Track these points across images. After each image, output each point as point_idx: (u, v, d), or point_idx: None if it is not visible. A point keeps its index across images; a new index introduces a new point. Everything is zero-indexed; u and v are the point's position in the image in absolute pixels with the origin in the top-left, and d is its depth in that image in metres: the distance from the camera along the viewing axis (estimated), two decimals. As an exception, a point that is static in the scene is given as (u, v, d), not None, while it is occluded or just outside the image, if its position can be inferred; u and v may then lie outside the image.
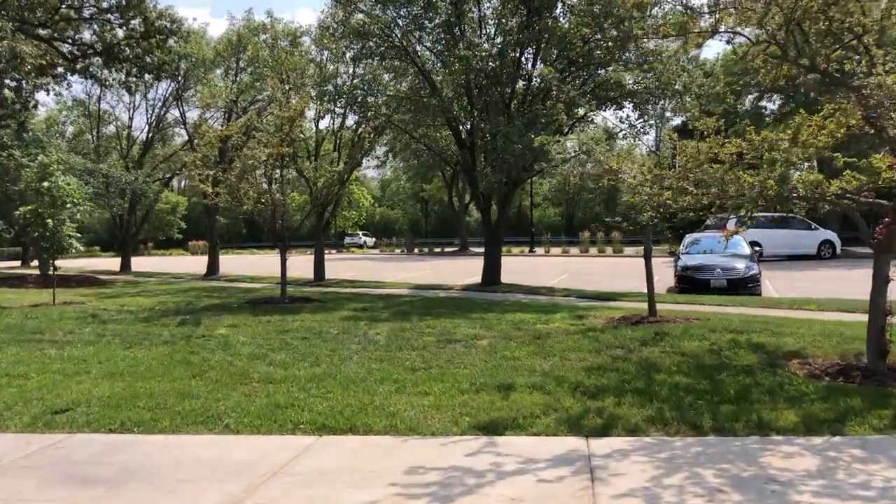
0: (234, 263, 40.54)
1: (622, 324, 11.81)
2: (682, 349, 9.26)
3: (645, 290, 21.13)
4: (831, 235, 32.27)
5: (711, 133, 8.82)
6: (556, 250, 47.49)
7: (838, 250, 32.36)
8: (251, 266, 37.09)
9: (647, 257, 12.65)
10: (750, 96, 37.01)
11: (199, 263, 33.95)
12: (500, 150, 17.72)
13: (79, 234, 17.89)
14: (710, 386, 7.29)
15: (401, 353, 9.78)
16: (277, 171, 15.97)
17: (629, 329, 10.98)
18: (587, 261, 36.96)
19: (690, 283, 18.71)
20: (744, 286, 18.27)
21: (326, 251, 60.44)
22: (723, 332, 10.37)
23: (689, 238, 21.82)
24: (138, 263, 42.95)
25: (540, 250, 47.40)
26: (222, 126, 24.70)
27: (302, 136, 16.00)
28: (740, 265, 18.79)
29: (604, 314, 13.20)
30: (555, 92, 17.03)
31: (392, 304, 16.30)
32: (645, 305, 15.47)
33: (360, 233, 72.45)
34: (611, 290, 19.35)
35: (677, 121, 34.03)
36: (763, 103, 44.92)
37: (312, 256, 26.33)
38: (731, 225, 31.61)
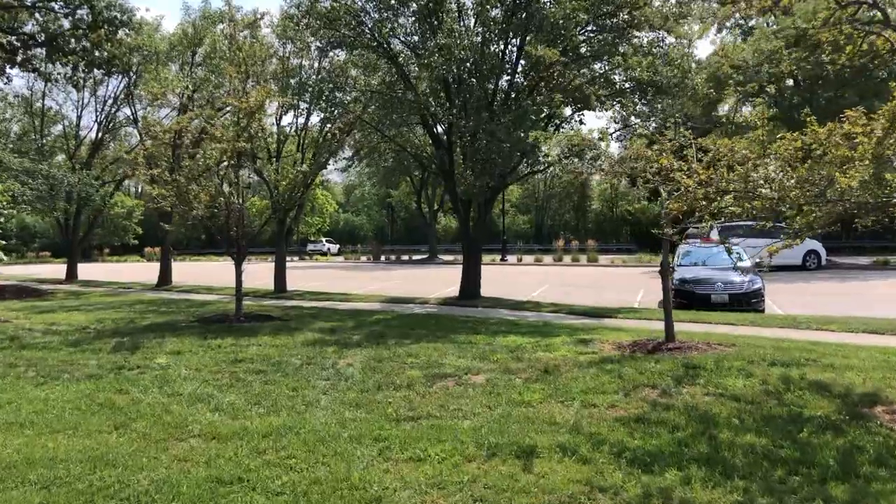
0: (191, 272, 38.20)
1: (637, 351, 10.08)
2: (729, 390, 7.52)
3: (637, 306, 19.72)
4: (816, 245, 31.03)
5: (763, 125, 7.16)
6: (528, 258, 45.87)
7: (823, 260, 31.21)
8: (208, 275, 34.77)
9: (665, 272, 10.95)
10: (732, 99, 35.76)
11: (152, 271, 31.55)
12: (482, 151, 15.95)
13: (2, 241, 15.62)
14: (797, 451, 5.54)
15: (380, 393, 7.89)
16: (232, 170, 13.96)
17: (650, 360, 9.23)
18: (563, 270, 35.36)
19: (689, 298, 17.09)
20: (747, 302, 16.72)
21: (289, 259, 58.10)
22: (764, 365, 8.67)
23: (682, 248, 20.20)
24: (87, 271, 40.31)
25: (512, 258, 45.72)
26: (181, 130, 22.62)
27: (262, 133, 13.98)
28: (743, 279, 17.24)
29: (609, 337, 11.46)
30: (556, 80, 15.23)
31: (364, 322, 14.39)
32: (648, 325, 13.85)
33: (324, 240, 70.12)
34: (601, 306, 17.70)
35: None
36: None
37: (273, 265, 24.28)
38: (714, 234, 30.22)
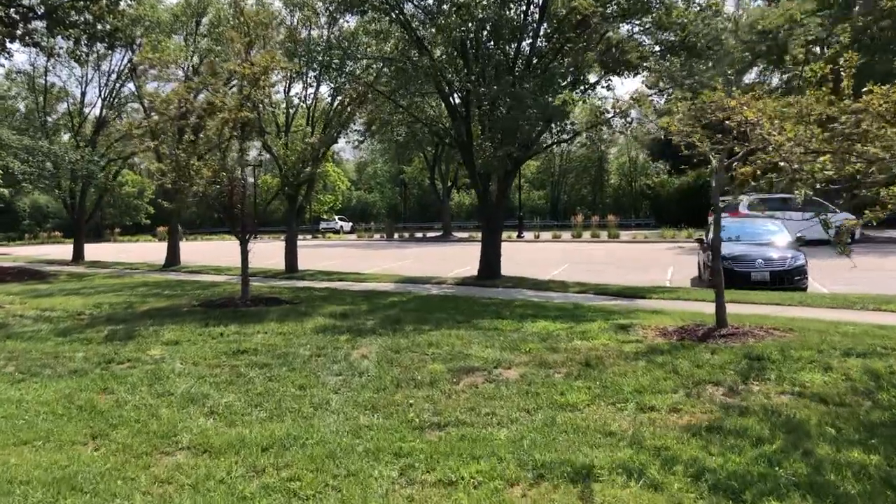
0: (202, 251, 37.29)
1: (686, 338, 8.99)
2: (808, 388, 6.43)
3: (669, 284, 18.55)
4: (850, 218, 29.62)
5: (849, 74, 6.01)
6: (545, 235, 44.66)
7: (857, 234, 29.84)
8: (219, 255, 33.84)
9: (716, 249, 9.83)
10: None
11: (162, 251, 30.55)
12: (504, 119, 14.78)
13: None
14: (921, 473, 4.46)
15: (399, 392, 6.86)
16: (236, 142, 12.89)
17: (704, 349, 8.14)
18: (583, 247, 34.18)
19: (727, 276, 15.82)
20: (790, 280, 15.55)
21: (301, 237, 57.37)
22: (837, 355, 7.56)
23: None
24: (96, 252, 39.54)
25: (528, 235, 44.54)
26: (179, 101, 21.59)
27: (267, 102, 12.86)
28: (785, 255, 16.06)
29: (650, 322, 10.37)
30: (585, 40, 13.92)
31: (378, 305, 13.36)
32: (689, 307, 12.72)
33: (337, 217, 69.18)
34: (630, 285, 16.59)
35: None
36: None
37: (285, 244, 23.29)
38: (742, 207, 28.91)
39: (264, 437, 5.63)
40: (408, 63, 17.42)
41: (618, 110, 15.15)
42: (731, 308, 12.26)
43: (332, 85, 18.70)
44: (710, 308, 12.05)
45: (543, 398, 6.41)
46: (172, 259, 27.92)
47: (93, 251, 39.25)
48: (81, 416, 6.46)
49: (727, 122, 6.76)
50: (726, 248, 16.76)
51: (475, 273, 19.30)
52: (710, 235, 17.87)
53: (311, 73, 18.54)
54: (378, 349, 8.77)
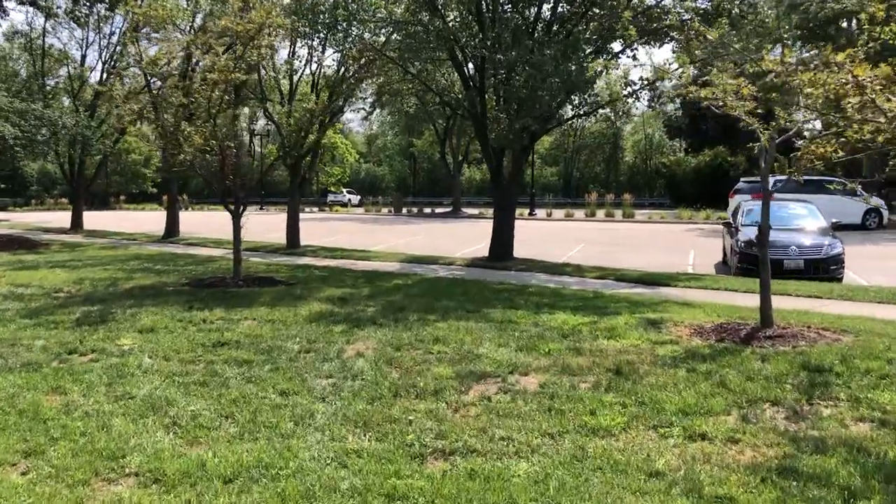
0: (205, 222, 36.21)
1: (726, 339, 7.91)
2: (890, 412, 5.33)
3: (692, 270, 17.35)
4: (879, 203, 28.33)
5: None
6: (557, 213, 43.44)
7: (885, 219, 28.57)
8: (222, 226, 32.60)
9: (764, 238, 8.69)
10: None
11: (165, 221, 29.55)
12: (521, 88, 13.59)
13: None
14: None
15: (398, 403, 5.80)
16: (228, 107, 11.75)
17: (750, 355, 7.05)
18: (598, 226, 33.00)
19: (755, 263, 14.76)
20: (825, 269, 14.40)
21: (308, 210, 56.32)
22: (911, 367, 6.47)
23: (745, 205, 17.71)
24: (98, 220, 38.58)
25: (540, 213, 43.34)
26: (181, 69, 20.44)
27: (265, 63, 11.68)
28: (821, 242, 14.91)
29: (683, 317, 9.28)
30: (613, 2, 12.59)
31: (381, 289, 12.31)
32: (721, 298, 11.52)
33: (345, 190, 67.87)
34: (652, 270, 15.52)
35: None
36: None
37: (287, 218, 22.21)
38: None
39: (229, 464, 4.59)
40: (419, 28, 16.19)
41: (646, 82, 13.98)
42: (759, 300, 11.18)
43: (338, 48, 17.44)
44: (744, 300, 10.96)
45: (570, 418, 5.34)
46: (171, 230, 26.89)
47: (94, 219, 38.32)
48: (20, 424, 5.44)
49: (810, 89, 5.61)
50: (751, 233, 15.59)
51: (485, 253, 18.21)
52: (740, 218, 16.75)
53: (315, 38, 17.23)
54: (376, 345, 7.72)
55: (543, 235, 26.84)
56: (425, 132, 60.51)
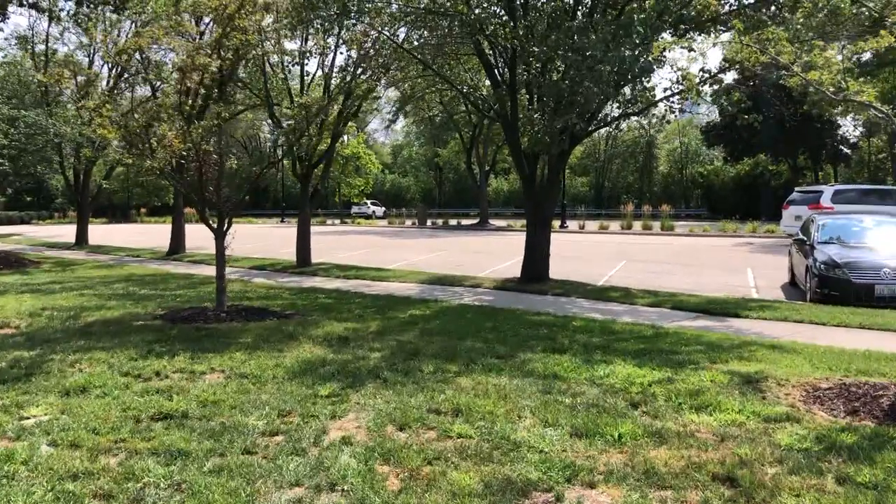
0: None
1: (861, 412, 5.64)
2: None
3: (756, 294, 14.80)
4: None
5: None
6: (591, 225, 41.02)
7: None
8: (238, 242, 30.83)
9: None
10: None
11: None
12: (557, 84, 11.42)
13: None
14: None
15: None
16: (206, 103, 9.71)
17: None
18: (636, 240, 30.58)
19: (839, 288, 12.41)
20: (925, 297, 12.01)
21: (330, 221, 54.61)
22: None
23: (819, 219, 15.27)
24: (108, 234, 37.07)
25: (573, 224, 40.96)
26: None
27: (247, 45, 9.58)
28: (922, 263, 12.48)
29: (784, 372, 6.99)
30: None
31: (392, 323, 10.14)
32: (809, 334, 9.15)
33: (369, 202, 66.12)
34: (710, 295, 13.29)
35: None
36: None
37: (297, 233, 20.17)
38: (825, 199, 24.66)
39: None
40: (441, 19, 14.07)
41: (708, 75, 11.76)
42: (865, 338, 8.92)
43: (347, 36, 15.33)
44: (849, 340, 8.66)
45: None
46: (177, 246, 25.05)
47: (109, 233, 36.76)
48: None
49: None
50: (831, 252, 13.23)
51: (516, 272, 16.02)
52: (815, 234, 14.33)
53: (322, 26, 15.12)
54: (372, 421, 5.52)
55: (579, 250, 24.53)
56: (451, 141, 58.54)
